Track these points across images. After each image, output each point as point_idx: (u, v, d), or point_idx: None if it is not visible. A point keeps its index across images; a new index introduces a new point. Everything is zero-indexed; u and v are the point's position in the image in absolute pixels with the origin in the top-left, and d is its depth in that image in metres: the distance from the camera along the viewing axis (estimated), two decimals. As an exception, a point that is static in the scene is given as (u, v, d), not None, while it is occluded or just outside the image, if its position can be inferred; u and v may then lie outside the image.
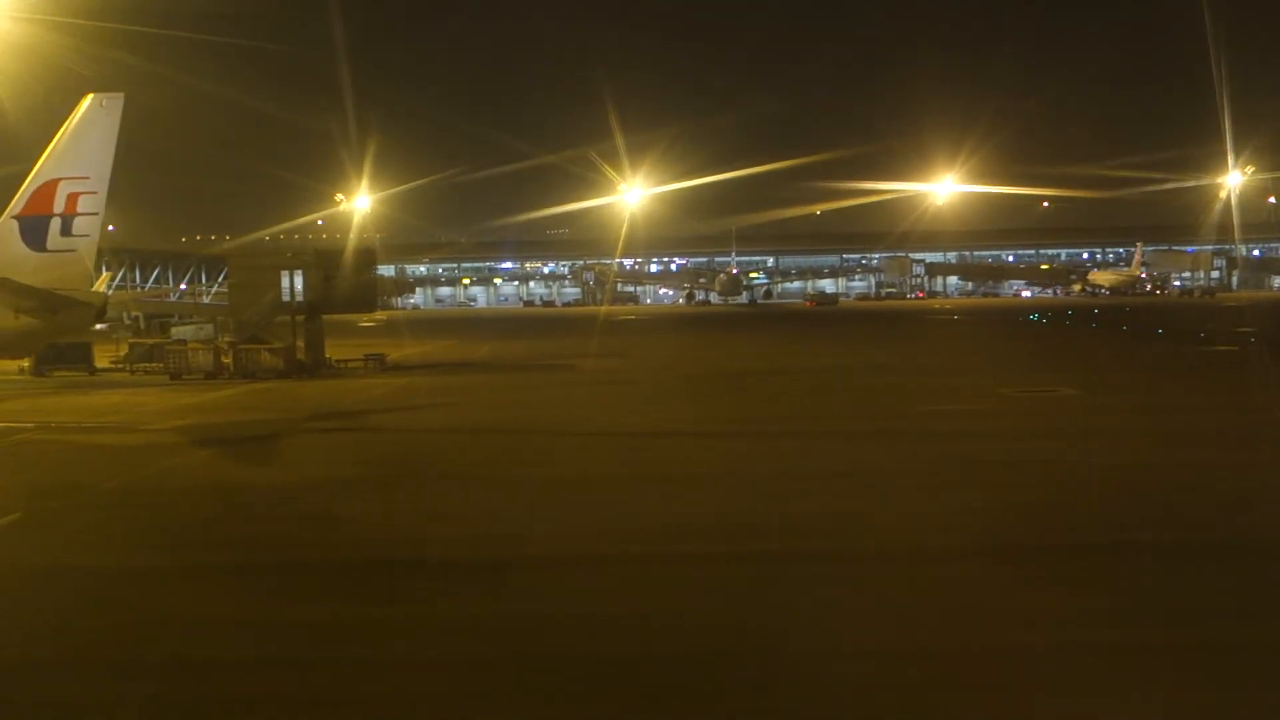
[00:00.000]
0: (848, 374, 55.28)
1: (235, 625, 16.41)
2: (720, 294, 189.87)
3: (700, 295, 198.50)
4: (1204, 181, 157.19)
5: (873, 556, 19.81)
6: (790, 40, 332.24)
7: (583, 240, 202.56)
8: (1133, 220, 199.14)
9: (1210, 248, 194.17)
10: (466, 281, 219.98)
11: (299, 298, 61.32)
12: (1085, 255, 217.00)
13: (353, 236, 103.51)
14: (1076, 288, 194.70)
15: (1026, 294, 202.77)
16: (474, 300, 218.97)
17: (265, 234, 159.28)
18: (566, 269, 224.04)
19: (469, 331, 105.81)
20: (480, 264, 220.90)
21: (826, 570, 18.92)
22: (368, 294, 66.34)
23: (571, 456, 31.36)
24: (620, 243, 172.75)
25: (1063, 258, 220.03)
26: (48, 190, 39.20)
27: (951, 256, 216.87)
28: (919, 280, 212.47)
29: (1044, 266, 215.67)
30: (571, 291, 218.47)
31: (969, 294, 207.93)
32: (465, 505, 24.64)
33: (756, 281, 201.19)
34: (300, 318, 61.94)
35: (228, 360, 58.78)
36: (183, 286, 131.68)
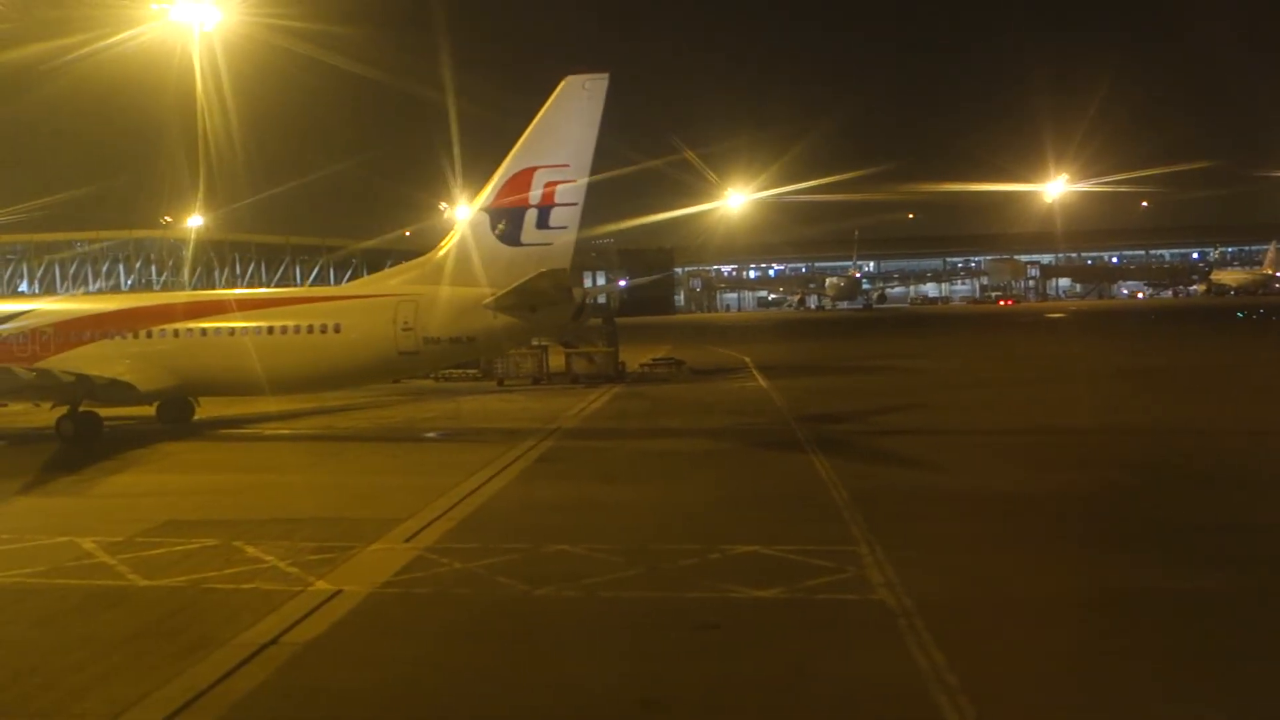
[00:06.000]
0: (1223, 374, 52.39)
1: None
2: (834, 298, 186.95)
3: (811, 301, 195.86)
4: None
5: None
6: (890, 39, 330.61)
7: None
8: (1228, 219, 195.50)
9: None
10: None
11: (602, 300, 59.01)
12: (1195, 255, 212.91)
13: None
14: (1200, 288, 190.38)
15: (1141, 295, 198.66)
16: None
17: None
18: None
19: (652, 339, 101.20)
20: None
21: None
22: (669, 294, 63.64)
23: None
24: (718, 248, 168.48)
25: (1166, 258, 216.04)
26: (523, 179, 36.08)
27: (1058, 258, 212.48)
28: (1034, 282, 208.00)
29: (1162, 267, 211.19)
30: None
31: (1078, 296, 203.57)
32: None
33: (864, 286, 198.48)
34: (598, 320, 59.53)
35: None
36: None
